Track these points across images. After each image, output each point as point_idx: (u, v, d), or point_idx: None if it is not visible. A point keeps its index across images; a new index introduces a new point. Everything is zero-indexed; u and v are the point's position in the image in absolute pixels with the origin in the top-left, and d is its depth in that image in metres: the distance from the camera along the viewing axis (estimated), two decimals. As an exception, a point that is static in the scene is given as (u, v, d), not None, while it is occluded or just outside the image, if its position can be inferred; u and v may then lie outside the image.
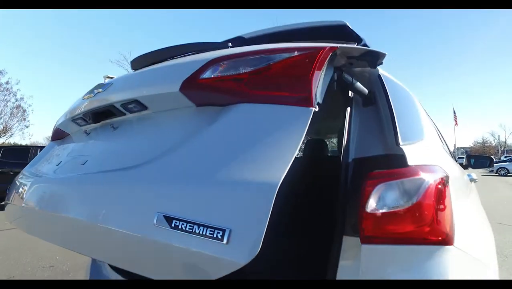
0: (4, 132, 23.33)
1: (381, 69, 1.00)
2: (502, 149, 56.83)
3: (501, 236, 4.05)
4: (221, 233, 0.46)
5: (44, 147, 8.73)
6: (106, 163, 0.77)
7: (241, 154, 0.53)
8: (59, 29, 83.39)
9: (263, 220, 0.45)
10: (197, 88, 0.65)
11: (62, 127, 1.19)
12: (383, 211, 0.64)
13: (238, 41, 1.33)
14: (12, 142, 22.51)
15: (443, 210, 0.66)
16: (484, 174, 22.98)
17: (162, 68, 0.82)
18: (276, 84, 0.61)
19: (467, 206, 1.00)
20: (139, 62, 0.98)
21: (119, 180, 0.62)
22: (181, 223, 0.49)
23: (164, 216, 0.51)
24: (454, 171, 1.04)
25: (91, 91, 0.94)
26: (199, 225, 0.48)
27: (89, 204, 0.66)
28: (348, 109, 0.81)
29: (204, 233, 0.47)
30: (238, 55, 0.66)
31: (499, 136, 62.51)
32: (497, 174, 22.22)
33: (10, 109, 23.39)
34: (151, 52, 0.97)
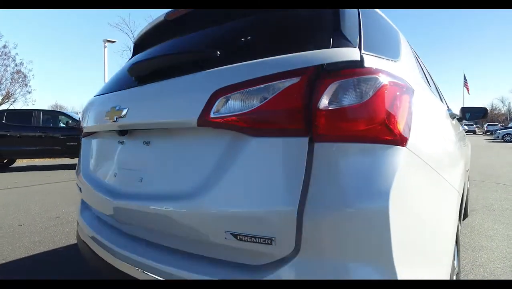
0: (7, 98, 23.35)
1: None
2: (511, 116, 55.56)
3: (494, 193, 4.13)
4: (270, 240, 0.66)
5: (49, 110, 8.79)
6: (161, 183, 0.89)
7: (270, 183, 0.66)
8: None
9: (292, 230, 0.63)
10: (211, 124, 0.75)
11: (92, 130, 1.27)
12: (336, 108, 0.65)
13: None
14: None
15: (398, 113, 0.66)
16: (490, 140, 22.83)
17: (170, 97, 0.87)
18: (275, 118, 0.68)
19: (438, 127, 1.02)
20: (135, 71, 1.03)
21: (187, 210, 0.77)
22: (243, 236, 0.68)
23: (231, 233, 0.70)
24: (426, 93, 1.04)
25: (111, 116, 1.00)
26: (255, 237, 0.67)
27: (167, 223, 0.83)
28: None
29: (259, 241, 0.67)
30: (236, 87, 0.72)
31: (509, 103, 60.77)
32: (503, 140, 22.08)
33: (11, 74, 23.15)
34: (146, 60, 1.02)
